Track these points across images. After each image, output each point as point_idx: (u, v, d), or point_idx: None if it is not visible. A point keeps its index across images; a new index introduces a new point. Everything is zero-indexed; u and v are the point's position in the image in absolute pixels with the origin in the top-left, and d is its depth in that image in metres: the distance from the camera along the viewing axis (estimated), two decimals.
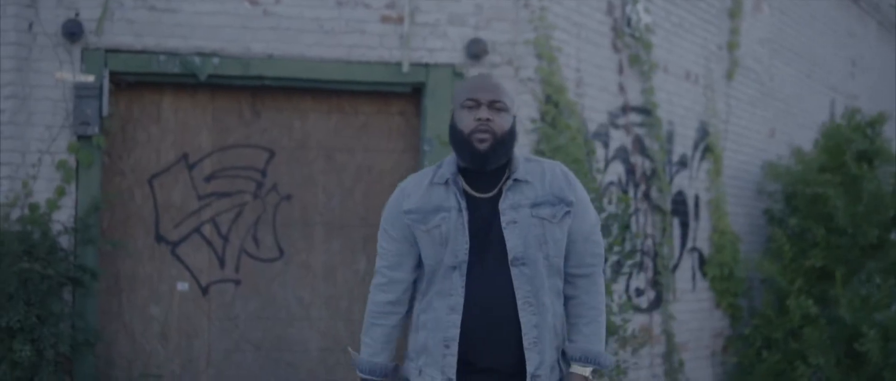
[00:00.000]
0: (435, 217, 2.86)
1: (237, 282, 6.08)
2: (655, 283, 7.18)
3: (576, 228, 2.91)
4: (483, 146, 2.82)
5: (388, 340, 3.00)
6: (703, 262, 7.82)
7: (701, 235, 7.80)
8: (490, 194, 2.88)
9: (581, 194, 2.94)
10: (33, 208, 5.55)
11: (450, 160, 2.94)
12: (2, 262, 5.26)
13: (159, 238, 5.99)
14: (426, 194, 2.91)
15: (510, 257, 2.82)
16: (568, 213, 2.88)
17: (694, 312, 7.68)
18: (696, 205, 7.77)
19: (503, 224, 2.84)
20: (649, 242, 7.14)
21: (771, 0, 8.97)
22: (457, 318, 2.83)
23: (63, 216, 5.63)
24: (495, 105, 2.85)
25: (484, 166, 2.85)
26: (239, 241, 6.07)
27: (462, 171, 2.91)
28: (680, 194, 7.55)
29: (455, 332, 2.83)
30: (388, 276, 2.97)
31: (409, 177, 3.04)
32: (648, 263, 7.13)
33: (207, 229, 6.04)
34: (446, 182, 2.89)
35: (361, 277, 6.13)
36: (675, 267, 7.47)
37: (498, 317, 2.83)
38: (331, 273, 6.17)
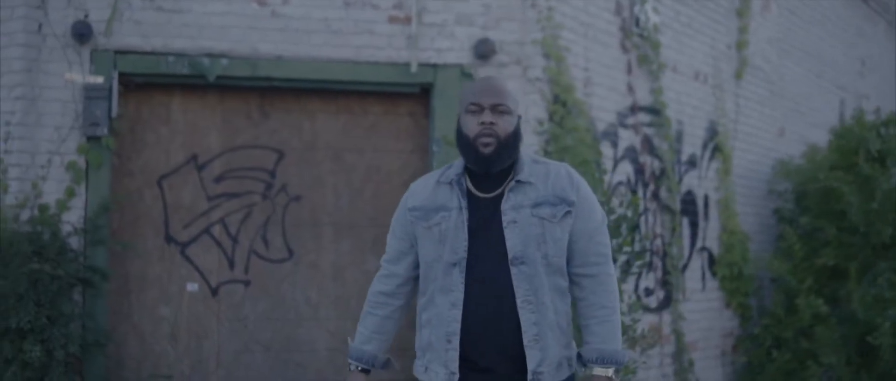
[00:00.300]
0: (436, 216, 2.93)
1: (246, 283, 6.08)
2: (665, 283, 7.17)
3: (579, 227, 2.93)
4: (487, 150, 2.88)
5: (378, 330, 3.10)
6: (712, 261, 7.80)
7: (710, 234, 7.79)
8: (494, 195, 2.93)
9: (585, 194, 2.96)
10: (43, 208, 5.57)
11: (460, 162, 3.01)
12: (12, 263, 5.29)
13: (169, 239, 6.00)
14: (432, 193, 2.99)
15: (510, 256, 2.86)
16: (568, 213, 2.90)
17: (704, 311, 7.66)
18: (706, 204, 7.75)
19: (504, 224, 2.88)
20: (658, 242, 7.13)
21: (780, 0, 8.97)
22: (457, 313, 2.87)
23: (73, 217, 5.65)
24: (498, 108, 2.90)
25: (489, 169, 2.91)
26: (248, 241, 6.09)
27: (469, 171, 2.97)
28: (689, 193, 7.54)
29: (456, 326, 2.87)
30: (388, 269, 3.12)
31: (421, 177, 3.12)
32: (658, 263, 7.12)
33: (217, 230, 6.05)
34: (450, 182, 2.96)
35: (370, 277, 6.08)
36: (685, 267, 7.45)
37: (497, 315, 2.86)
38: (340, 273, 6.17)
